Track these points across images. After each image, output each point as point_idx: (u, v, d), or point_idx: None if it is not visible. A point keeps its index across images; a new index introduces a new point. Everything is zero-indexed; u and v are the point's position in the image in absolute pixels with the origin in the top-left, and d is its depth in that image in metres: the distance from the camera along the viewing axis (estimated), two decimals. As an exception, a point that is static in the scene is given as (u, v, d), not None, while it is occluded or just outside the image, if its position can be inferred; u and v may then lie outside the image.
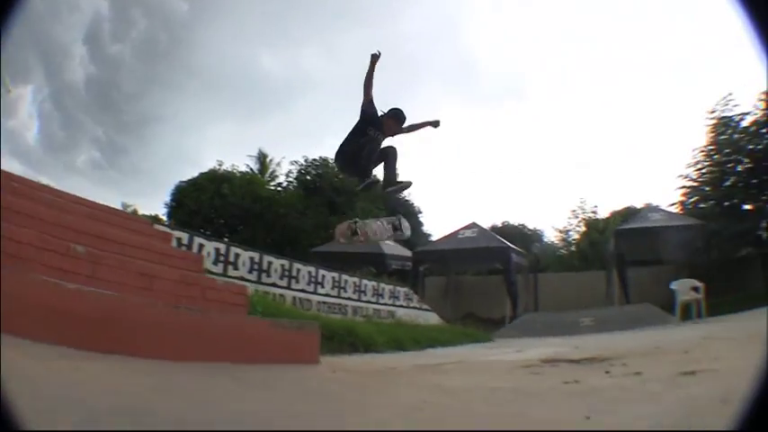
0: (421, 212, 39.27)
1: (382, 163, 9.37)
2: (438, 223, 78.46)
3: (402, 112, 9.85)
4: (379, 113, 9.60)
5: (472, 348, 12.36)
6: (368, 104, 9.39)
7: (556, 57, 68.00)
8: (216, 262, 13.22)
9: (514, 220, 42.56)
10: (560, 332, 15.77)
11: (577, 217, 38.96)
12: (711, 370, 4.52)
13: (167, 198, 36.04)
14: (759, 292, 23.32)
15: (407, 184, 9.37)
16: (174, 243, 11.03)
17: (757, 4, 1.71)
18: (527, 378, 5.87)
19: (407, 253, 26.62)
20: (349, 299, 17.56)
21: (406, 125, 9.48)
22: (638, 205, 34.40)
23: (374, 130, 9.20)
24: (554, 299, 25.14)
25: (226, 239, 19.71)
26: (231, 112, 62.46)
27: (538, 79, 69.64)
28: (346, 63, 55.34)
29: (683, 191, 28.20)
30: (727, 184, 26.07)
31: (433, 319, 19.93)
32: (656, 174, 71.25)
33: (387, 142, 9.60)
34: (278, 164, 39.64)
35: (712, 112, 27.25)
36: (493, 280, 26.37)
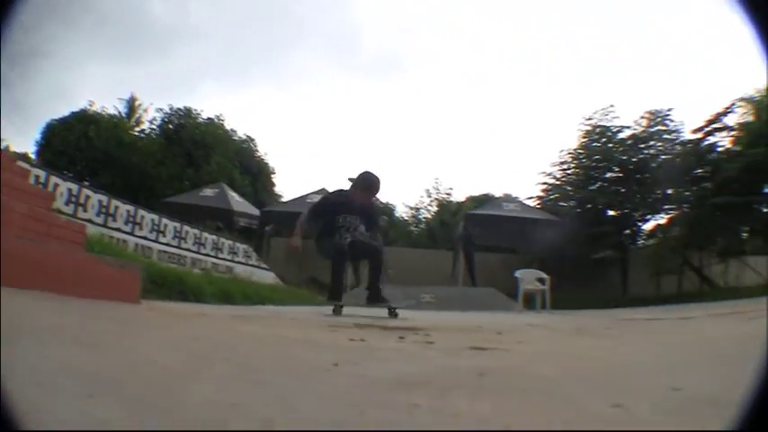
0: (275, 173, 39.37)
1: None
2: (293, 186, 79.35)
3: (371, 177, 9.78)
4: (348, 187, 10.06)
5: (298, 309, 12.23)
6: (317, 206, 10.38)
7: (438, 34, 69.20)
8: (68, 202, 13.37)
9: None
10: (398, 305, 15.84)
11: (430, 196, 39.75)
12: (504, 350, 4.25)
13: (38, 136, 35.71)
14: (615, 293, 24.59)
15: (390, 308, 9.71)
16: (32, 180, 11.09)
17: (757, 4, 1.69)
18: (322, 333, 5.66)
19: (255, 212, 26.94)
20: (189, 250, 17.78)
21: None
22: (497, 194, 35.37)
23: (343, 216, 9.73)
24: (399, 273, 25.53)
25: (86, 182, 19.56)
26: (116, 53, 61.93)
27: (417, 54, 70.75)
28: (231, 17, 55.42)
29: (544, 187, 30.01)
30: (593, 188, 27.27)
31: (269, 278, 20.28)
32: (520, 167, 74.04)
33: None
34: (145, 110, 39.42)
35: (589, 119, 29.69)
36: None
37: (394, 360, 3.62)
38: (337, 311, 9.60)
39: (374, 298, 10.17)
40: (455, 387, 2.43)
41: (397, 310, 9.84)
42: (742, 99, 28.35)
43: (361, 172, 9.93)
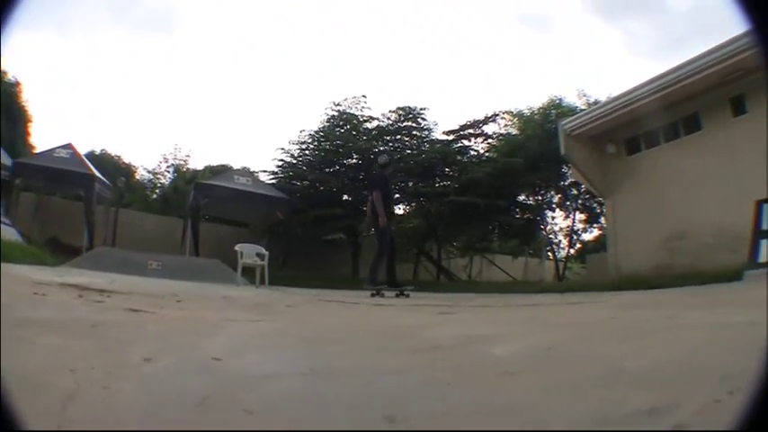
0: (32, 121, 38.02)
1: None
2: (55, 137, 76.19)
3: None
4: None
5: (25, 268, 12.43)
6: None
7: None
8: None
9: (114, 151, 42.20)
10: (127, 270, 16.10)
11: (167, 161, 39.55)
12: (151, 312, 5.41)
13: None
14: (347, 274, 25.88)
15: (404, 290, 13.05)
16: None
17: (757, 4, 1.68)
18: (16, 286, 6.54)
19: (9, 162, 25.45)
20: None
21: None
22: (237, 166, 35.68)
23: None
24: (132, 237, 25.22)
25: None
26: None
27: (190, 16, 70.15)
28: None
29: (280, 164, 30.67)
30: (329, 170, 28.29)
31: (10, 234, 19.29)
32: (264, 140, 75.18)
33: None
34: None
35: (338, 104, 30.59)
36: (79, 207, 25.65)
37: (42, 308, 4.69)
38: (382, 294, 12.70)
39: (395, 284, 13.48)
40: (58, 328, 3.63)
41: (407, 292, 13.06)
42: (508, 112, 30.89)
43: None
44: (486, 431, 1.94)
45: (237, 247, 16.57)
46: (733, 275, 11.04)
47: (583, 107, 27.05)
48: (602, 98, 26.00)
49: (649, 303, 7.59)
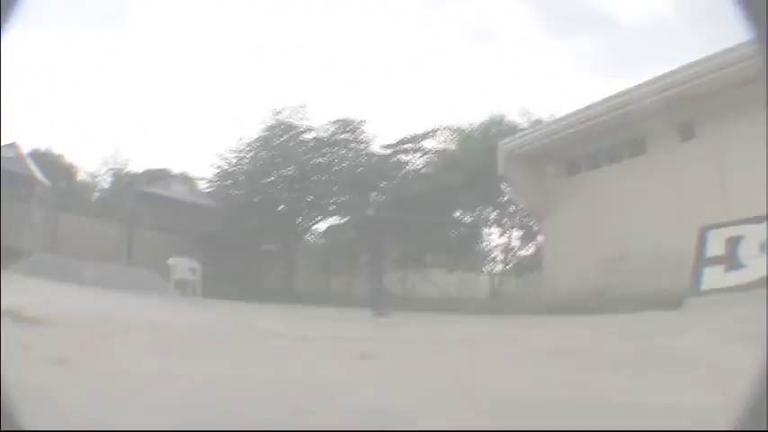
0: (-1, 116, 36.95)
1: None
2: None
3: None
4: None
5: None
6: None
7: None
8: None
9: (57, 149, 40.78)
10: (64, 278, 15.97)
11: (106, 164, 38.88)
12: (76, 365, 5.04)
13: None
14: (277, 288, 25.73)
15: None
16: None
17: (757, 4, 1.64)
18: None
19: None
20: None
21: None
22: (177, 169, 35.29)
23: None
24: (70, 242, 24.75)
25: None
26: None
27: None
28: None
29: (217, 171, 30.55)
30: (266, 181, 28.49)
31: None
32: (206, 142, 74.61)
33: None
34: None
35: (278, 113, 30.61)
36: (20, 209, 24.61)
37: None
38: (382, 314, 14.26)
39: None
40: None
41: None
42: (447, 127, 30.99)
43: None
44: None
45: (170, 262, 16.53)
46: (672, 302, 11.02)
47: (525, 125, 27.29)
48: (546, 116, 26.36)
49: (573, 349, 7.07)
